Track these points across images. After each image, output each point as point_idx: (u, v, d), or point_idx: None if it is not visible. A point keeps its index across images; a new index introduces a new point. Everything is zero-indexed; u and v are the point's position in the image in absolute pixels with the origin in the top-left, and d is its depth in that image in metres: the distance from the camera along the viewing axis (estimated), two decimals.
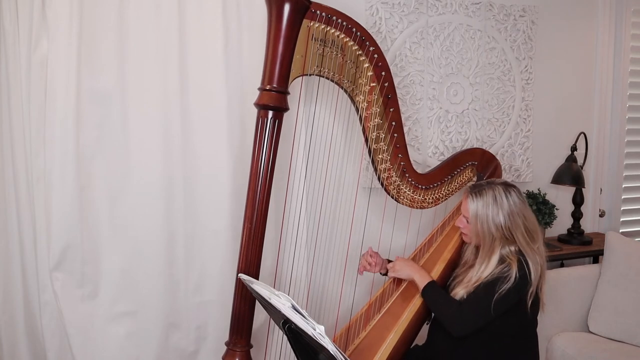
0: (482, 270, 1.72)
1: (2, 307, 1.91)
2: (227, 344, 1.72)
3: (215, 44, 2.00)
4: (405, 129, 2.44)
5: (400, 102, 2.39)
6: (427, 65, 2.46)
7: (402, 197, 1.97)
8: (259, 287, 1.37)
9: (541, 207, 2.57)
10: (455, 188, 2.13)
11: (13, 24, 1.79)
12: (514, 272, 1.65)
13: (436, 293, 1.77)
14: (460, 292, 1.74)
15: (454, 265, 1.92)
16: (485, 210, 1.72)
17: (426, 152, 2.50)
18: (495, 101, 2.63)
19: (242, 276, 1.57)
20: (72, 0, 1.80)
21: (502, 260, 1.71)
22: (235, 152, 2.07)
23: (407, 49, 2.41)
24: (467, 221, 1.78)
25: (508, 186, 1.75)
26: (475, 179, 2.18)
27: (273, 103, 1.63)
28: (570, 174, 2.68)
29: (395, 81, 2.38)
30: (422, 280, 1.80)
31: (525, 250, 1.70)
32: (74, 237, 1.90)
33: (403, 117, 2.43)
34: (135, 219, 1.99)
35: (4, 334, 1.92)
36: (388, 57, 2.37)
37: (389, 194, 1.95)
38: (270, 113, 1.63)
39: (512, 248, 1.72)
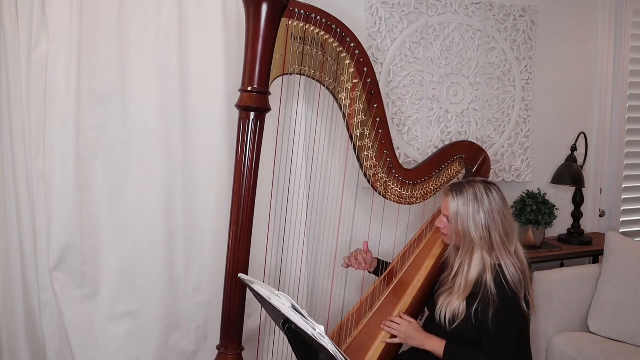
0: (466, 273, 1.69)
1: (2, 307, 1.91)
2: (218, 347, 1.72)
3: (215, 44, 2.00)
4: (405, 129, 2.45)
5: (400, 102, 2.42)
6: (427, 65, 2.46)
7: (389, 194, 1.96)
8: (259, 287, 1.37)
9: (541, 207, 2.57)
10: (444, 182, 2.11)
11: (13, 24, 1.78)
12: (492, 293, 1.61)
13: (458, 353, 1.69)
14: (455, 302, 1.68)
15: (444, 262, 1.91)
16: (466, 208, 1.68)
17: (426, 152, 2.50)
18: (495, 101, 2.64)
19: (242, 276, 1.57)
20: (72, 0, 1.80)
21: (483, 269, 1.67)
22: (235, 152, 2.07)
23: (407, 49, 2.41)
24: (448, 220, 1.75)
25: (488, 184, 1.73)
26: (463, 171, 2.17)
27: (254, 104, 1.63)
28: (570, 174, 2.68)
29: (395, 81, 2.40)
30: (439, 347, 1.69)
31: (502, 254, 1.67)
32: (74, 237, 1.90)
33: (403, 117, 2.43)
34: (135, 219, 1.99)
35: (4, 334, 1.92)
36: (388, 57, 2.38)
37: (376, 190, 1.94)
38: (252, 114, 1.63)
39: (489, 257, 1.68)
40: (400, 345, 1.80)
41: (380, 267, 2.02)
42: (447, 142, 2.53)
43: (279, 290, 1.27)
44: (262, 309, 1.91)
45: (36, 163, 1.86)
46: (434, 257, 1.91)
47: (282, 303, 1.22)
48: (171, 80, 1.97)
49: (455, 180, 2.08)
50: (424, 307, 1.87)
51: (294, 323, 1.19)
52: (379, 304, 1.88)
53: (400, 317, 1.75)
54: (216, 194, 2.07)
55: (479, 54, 2.56)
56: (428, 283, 1.86)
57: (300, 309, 1.19)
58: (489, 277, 1.64)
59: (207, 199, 2.07)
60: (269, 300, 1.28)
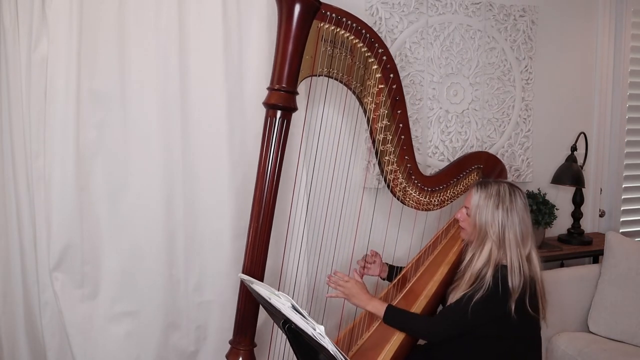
0: (475, 263, 1.71)
1: (2, 307, 1.91)
2: (231, 342, 1.72)
3: (215, 44, 2.00)
4: None
5: None
6: (427, 65, 2.46)
7: (408, 199, 1.97)
8: (259, 287, 1.37)
9: (541, 207, 2.57)
10: (461, 191, 2.14)
11: (13, 23, 1.78)
12: (487, 282, 1.65)
13: (399, 314, 1.75)
14: (459, 295, 1.71)
15: (458, 268, 1.92)
16: (486, 202, 1.72)
17: (426, 152, 2.50)
18: (495, 101, 2.63)
19: (242, 276, 1.57)
20: (72, 0, 1.80)
21: (487, 261, 1.70)
22: (235, 152, 2.07)
23: (407, 49, 2.41)
24: (467, 213, 1.78)
25: (514, 186, 1.77)
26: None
27: (282, 103, 1.63)
28: (570, 174, 2.68)
29: None
30: (379, 309, 1.74)
31: (512, 254, 1.68)
32: (74, 237, 1.90)
33: None
34: (135, 219, 1.98)
35: (4, 334, 1.92)
36: None
37: (394, 195, 1.95)
38: (279, 113, 1.64)
39: (497, 252, 1.70)
40: (411, 347, 1.80)
41: (393, 272, 2.03)
42: (446, 142, 2.54)
43: (285, 292, 1.27)
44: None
45: (36, 163, 1.86)
46: (448, 264, 1.91)
47: (282, 303, 1.22)
48: (171, 80, 1.97)
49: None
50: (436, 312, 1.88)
51: (293, 323, 1.19)
52: None
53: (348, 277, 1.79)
54: (216, 193, 2.07)
55: (479, 54, 2.56)
56: (442, 289, 1.86)
57: (300, 309, 1.19)
58: (489, 272, 1.67)
59: (207, 199, 2.07)
60: (268, 300, 1.28)
